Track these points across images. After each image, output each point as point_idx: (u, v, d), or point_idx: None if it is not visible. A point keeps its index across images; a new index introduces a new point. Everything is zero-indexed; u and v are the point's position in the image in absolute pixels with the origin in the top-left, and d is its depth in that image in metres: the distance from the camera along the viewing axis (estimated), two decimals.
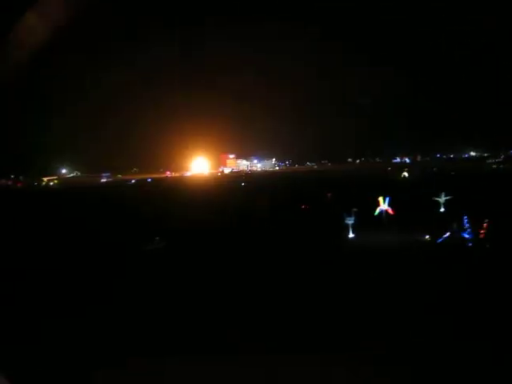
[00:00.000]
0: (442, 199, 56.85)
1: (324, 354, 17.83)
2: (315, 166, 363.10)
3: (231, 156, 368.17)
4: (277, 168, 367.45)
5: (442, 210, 56.17)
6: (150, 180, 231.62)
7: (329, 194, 74.21)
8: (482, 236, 40.70)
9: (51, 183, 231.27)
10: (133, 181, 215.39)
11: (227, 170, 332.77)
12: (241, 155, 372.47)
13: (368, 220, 50.36)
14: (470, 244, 38.45)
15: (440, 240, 38.13)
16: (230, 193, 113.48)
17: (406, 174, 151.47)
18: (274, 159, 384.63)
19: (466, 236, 37.70)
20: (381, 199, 52.71)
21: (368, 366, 16.35)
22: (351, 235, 44.28)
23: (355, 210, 45.97)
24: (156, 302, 25.80)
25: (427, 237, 40.15)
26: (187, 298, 26.38)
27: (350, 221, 44.59)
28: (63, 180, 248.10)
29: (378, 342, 19.22)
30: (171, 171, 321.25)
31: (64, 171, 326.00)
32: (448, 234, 38.31)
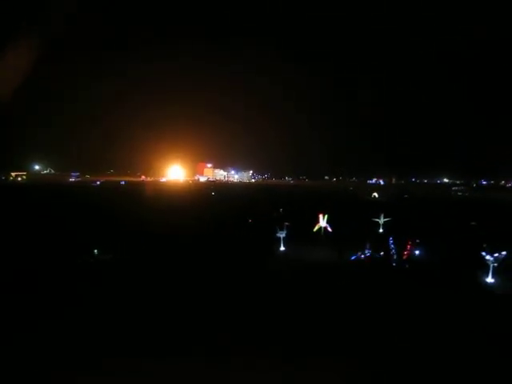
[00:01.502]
0: (381, 220, 58.40)
1: (314, 358, 18.98)
2: (291, 181, 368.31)
3: (209, 165, 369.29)
4: (253, 180, 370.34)
5: (381, 230, 57.59)
6: (123, 183, 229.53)
7: (281, 209, 75.23)
8: (405, 257, 42.13)
9: (19, 178, 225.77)
10: (98, 182, 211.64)
11: (203, 179, 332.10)
12: (219, 165, 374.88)
13: (307, 235, 51.67)
14: (394, 264, 39.74)
15: (353, 258, 39.19)
16: (191, 202, 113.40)
17: (376, 194, 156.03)
18: (251, 171, 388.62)
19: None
20: (321, 216, 53.87)
21: (355, 369, 17.98)
22: (282, 248, 44.93)
23: (287, 224, 46.74)
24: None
25: (361, 255, 41.02)
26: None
27: (281, 234, 45.27)
28: (32, 176, 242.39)
29: (369, 346, 20.38)
30: (147, 176, 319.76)
31: (37, 167, 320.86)
32: (359, 253, 39.38)
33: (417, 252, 43.81)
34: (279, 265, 39.03)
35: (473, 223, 55.57)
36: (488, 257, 32.56)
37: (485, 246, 33.50)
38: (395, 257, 42.24)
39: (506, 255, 33.01)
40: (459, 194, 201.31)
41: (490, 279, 32.54)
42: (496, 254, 32.51)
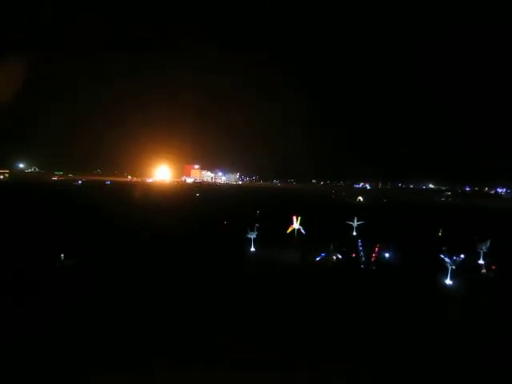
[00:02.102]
0: (355, 223, 59.06)
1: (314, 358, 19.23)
2: (279, 184, 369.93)
3: (196, 167, 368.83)
4: (240, 182, 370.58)
5: (355, 233, 58.22)
6: (108, 182, 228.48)
7: (258, 211, 75.50)
8: (373, 259, 42.77)
9: (1, 176, 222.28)
10: (79, 181, 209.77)
11: (190, 180, 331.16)
12: (206, 167, 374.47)
13: (280, 237, 52.03)
14: (363, 265, 40.30)
15: (318, 258, 39.55)
16: (174, 203, 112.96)
17: (361, 198, 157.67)
18: (238, 173, 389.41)
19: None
20: (294, 218, 54.25)
21: (354, 369, 18.29)
22: (252, 249, 45.09)
23: (258, 225, 46.97)
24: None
25: (326, 256, 41.35)
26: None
27: (251, 235, 45.41)
28: (14, 174, 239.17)
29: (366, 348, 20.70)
30: (134, 176, 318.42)
31: (22, 166, 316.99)
32: (324, 254, 39.76)
33: (386, 255, 44.52)
34: (247, 265, 39.35)
35: (441, 229, 56.98)
36: (447, 259, 33.21)
37: (444, 249, 34.12)
38: (363, 259, 42.93)
39: (463, 258, 33.76)
40: (442, 199, 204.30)
41: (448, 281, 33.20)
42: (454, 257, 33.19)
